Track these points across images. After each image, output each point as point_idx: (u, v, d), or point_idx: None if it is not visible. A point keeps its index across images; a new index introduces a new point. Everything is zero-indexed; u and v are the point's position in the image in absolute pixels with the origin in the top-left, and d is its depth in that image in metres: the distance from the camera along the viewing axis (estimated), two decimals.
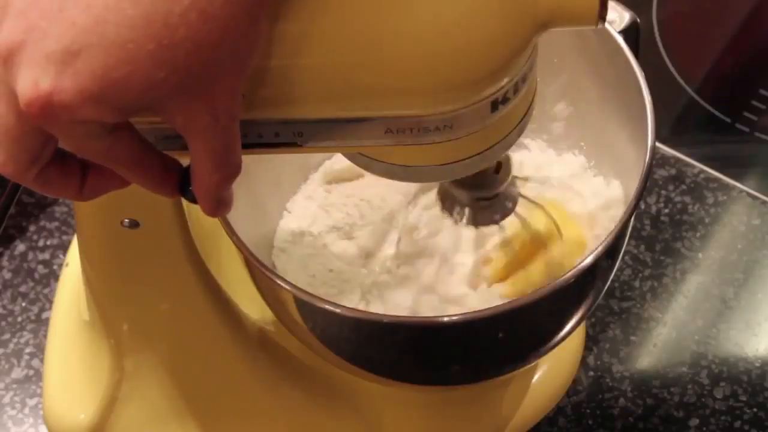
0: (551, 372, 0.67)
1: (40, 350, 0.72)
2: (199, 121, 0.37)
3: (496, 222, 0.56)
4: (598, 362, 0.69)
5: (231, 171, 0.40)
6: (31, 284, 0.75)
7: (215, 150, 0.39)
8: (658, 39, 0.86)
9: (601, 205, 0.60)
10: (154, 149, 0.40)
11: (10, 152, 0.38)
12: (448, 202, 0.56)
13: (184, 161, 0.42)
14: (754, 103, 0.82)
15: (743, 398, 0.68)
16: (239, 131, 0.39)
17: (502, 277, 0.59)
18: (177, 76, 0.36)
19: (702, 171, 0.78)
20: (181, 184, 0.42)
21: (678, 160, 0.78)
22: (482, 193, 0.54)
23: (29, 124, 0.36)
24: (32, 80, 0.35)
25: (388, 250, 0.61)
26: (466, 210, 0.55)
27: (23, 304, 0.75)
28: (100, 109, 0.36)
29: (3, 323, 0.74)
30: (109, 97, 0.35)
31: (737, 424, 0.67)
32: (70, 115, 0.35)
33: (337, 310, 0.49)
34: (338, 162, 0.65)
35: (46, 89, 0.35)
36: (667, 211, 0.76)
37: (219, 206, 0.42)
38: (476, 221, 0.56)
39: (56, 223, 0.78)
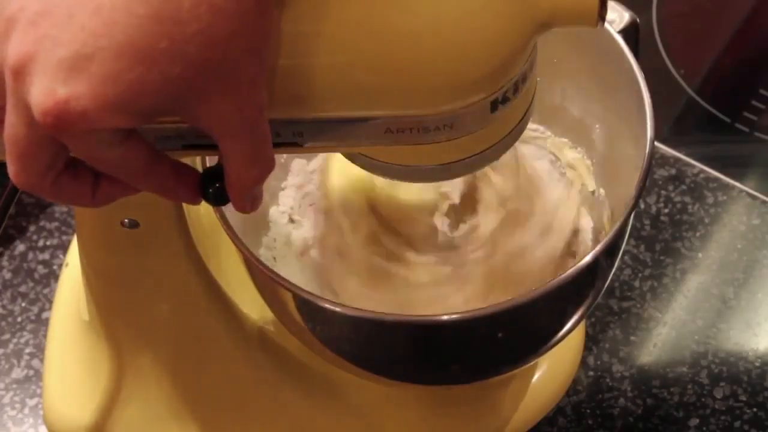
0: (551, 372, 0.67)
1: (40, 350, 0.72)
2: (225, 118, 0.37)
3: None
4: (598, 362, 0.69)
5: (266, 165, 0.40)
6: (31, 284, 0.76)
7: (247, 146, 0.39)
8: (657, 39, 0.86)
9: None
10: (164, 157, 0.40)
11: (22, 163, 0.37)
12: None
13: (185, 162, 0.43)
14: (754, 103, 0.82)
15: (743, 398, 0.68)
16: (268, 125, 0.39)
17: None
18: (192, 72, 0.35)
19: (702, 171, 0.78)
20: (200, 187, 0.42)
21: (678, 160, 0.78)
22: None
23: (41, 134, 0.36)
24: (47, 89, 0.35)
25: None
26: None
27: (23, 304, 0.75)
28: (117, 115, 0.35)
29: (3, 323, 0.74)
30: (126, 101, 0.35)
31: (737, 424, 0.67)
32: (87, 123, 0.35)
33: (337, 310, 0.49)
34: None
35: (63, 97, 0.35)
36: (666, 211, 0.76)
37: (254, 203, 0.42)
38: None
39: (56, 223, 0.78)
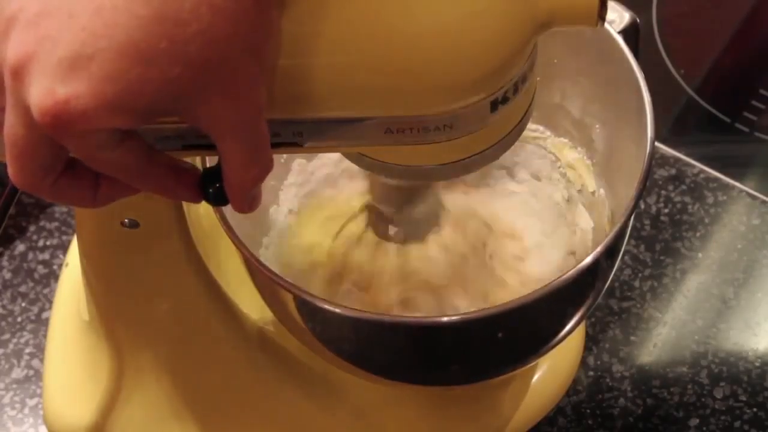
0: (551, 372, 0.67)
1: (40, 350, 0.72)
2: (224, 118, 0.37)
3: (423, 237, 0.56)
4: (598, 362, 0.69)
5: (264, 166, 0.40)
6: (31, 284, 0.76)
7: (246, 146, 0.39)
8: (658, 39, 0.86)
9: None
10: (163, 157, 0.40)
11: (21, 163, 0.37)
12: (381, 226, 0.56)
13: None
14: (754, 103, 0.82)
15: (743, 398, 0.68)
16: (266, 125, 0.39)
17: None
18: (192, 72, 0.35)
19: (702, 171, 0.78)
20: (200, 187, 0.41)
21: (678, 160, 0.78)
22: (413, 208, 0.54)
23: (41, 134, 0.36)
24: (47, 89, 0.35)
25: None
26: (393, 229, 0.56)
27: (23, 304, 0.75)
28: (117, 115, 0.35)
29: (3, 323, 0.74)
30: (126, 100, 0.35)
31: (737, 424, 0.67)
32: (87, 123, 0.35)
33: (337, 310, 0.49)
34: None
35: (62, 97, 0.34)
36: (666, 211, 0.76)
37: (252, 203, 0.42)
38: (406, 237, 0.56)
39: (56, 223, 0.78)
